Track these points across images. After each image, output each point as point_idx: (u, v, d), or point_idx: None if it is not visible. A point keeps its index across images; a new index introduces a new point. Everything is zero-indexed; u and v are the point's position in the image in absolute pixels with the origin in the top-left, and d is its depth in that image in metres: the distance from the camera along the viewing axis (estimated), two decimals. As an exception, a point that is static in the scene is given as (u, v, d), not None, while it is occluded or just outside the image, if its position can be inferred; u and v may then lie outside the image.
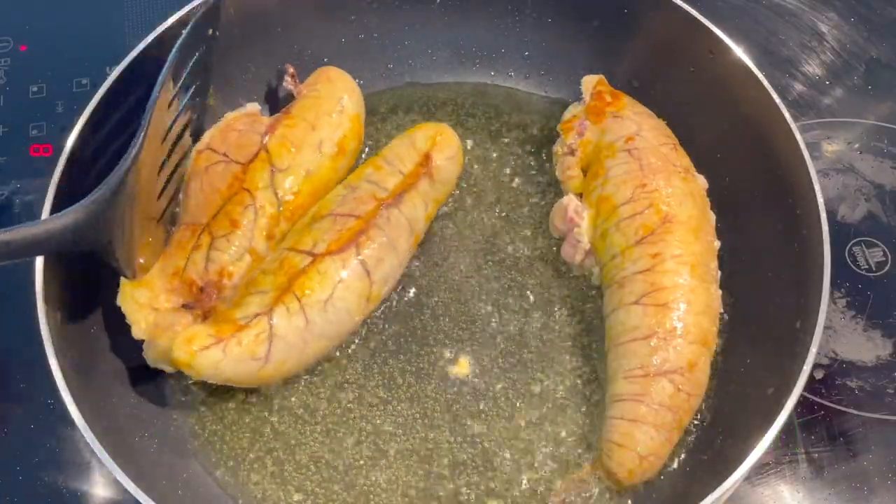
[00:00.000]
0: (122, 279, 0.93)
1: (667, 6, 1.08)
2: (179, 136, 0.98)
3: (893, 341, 1.09)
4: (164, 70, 0.91)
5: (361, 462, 0.95)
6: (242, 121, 1.04)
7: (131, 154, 0.85)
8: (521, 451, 0.96)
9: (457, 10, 1.20)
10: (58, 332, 0.87)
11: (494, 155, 1.17)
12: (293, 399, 0.99)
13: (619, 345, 0.95)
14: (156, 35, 1.02)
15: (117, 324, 0.98)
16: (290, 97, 1.11)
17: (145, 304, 0.93)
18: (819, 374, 1.06)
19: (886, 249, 1.16)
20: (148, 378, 0.99)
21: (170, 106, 0.94)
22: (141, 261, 0.92)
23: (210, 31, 1.01)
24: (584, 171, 1.08)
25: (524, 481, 0.95)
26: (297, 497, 0.94)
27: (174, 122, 0.96)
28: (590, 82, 1.12)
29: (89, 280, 0.96)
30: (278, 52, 1.16)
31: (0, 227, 0.77)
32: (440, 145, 1.06)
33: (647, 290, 0.94)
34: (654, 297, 0.94)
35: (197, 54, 0.99)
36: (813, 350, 0.86)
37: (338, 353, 1.01)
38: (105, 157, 1.00)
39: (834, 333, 1.09)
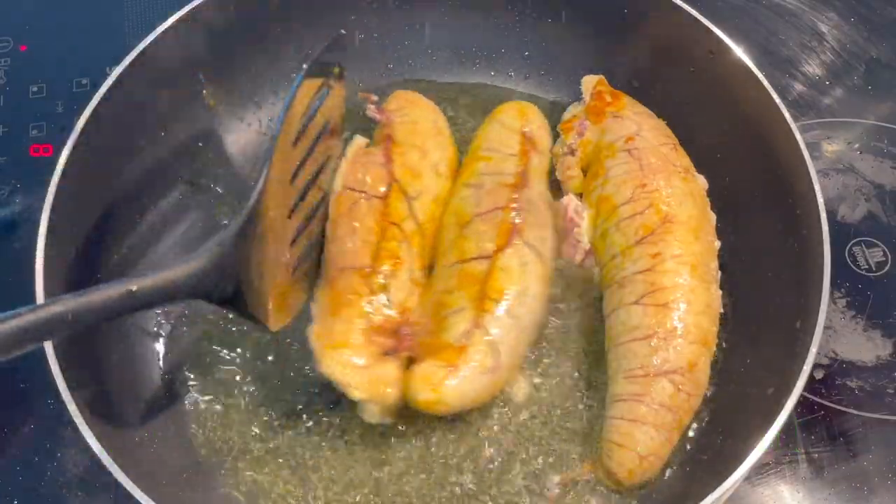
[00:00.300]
0: (321, 349, 0.90)
1: (667, 6, 1.08)
2: (315, 178, 0.93)
3: (893, 341, 1.09)
4: (286, 104, 0.84)
5: (361, 461, 0.95)
6: (362, 155, 1.02)
7: (253, 196, 0.81)
8: (520, 450, 0.96)
9: (457, 10, 1.21)
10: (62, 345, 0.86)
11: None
12: (295, 400, 0.99)
13: (620, 345, 0.95)
14: (156, 35, 1.02)
15: (117, 324, 0.98)
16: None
17: (352, 364, 0.89)
18: (819, 374, 1.06)
19: (886, 249, 1.16)
20: (148, 378, 0.99)
21: (296, 144, 0.88)
22: (274, 310, 0.88)
23: (336, 70, 0.94)
24: (584, 171, 1.08)
25: (523, 480, 0.94)
26: (297, 495, 0.94)
27: (304, 162, 0.90)
28: (590, 82, 1.12)
29: (90, 280, 0.96)
30: (279, 53, 1.16)
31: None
32: (528, 118, 1.08)
33: (648, 290, 0.94)
34: (654, 297, 0.94)
35: (324, 90, 0.92)
36: (813, 350, 0.86)
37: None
38: (105, 157, 1.00)
39: (834, 333, 1.09)
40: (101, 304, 0.74)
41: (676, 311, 0.93)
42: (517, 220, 0.98)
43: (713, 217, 1.02)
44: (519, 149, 1.05)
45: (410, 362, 0.92)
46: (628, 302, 0.95)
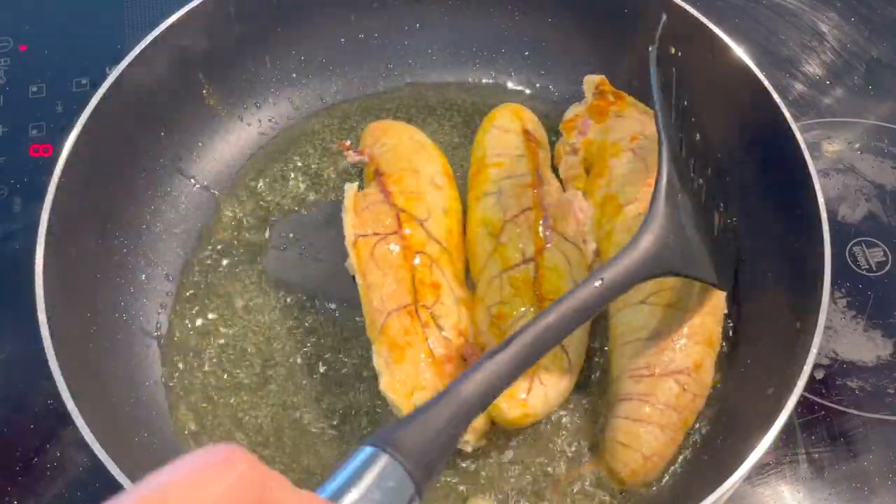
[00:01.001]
0: (400, 400, 0.88)
1: (667, 6, 1.08)
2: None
3: (894, 341, 1.09)
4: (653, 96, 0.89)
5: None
6: (360, 200, 1.00)
7: (663, 154, 0.85)
8: (522, 449, 0.96)
9: (457, 10, 1.20)
10: (58, 333, 0.86)
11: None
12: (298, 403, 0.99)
13: (625, 344, 0.94)
14: (156, 35, 1.02)
15: (117, 324, 0.98)
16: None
17: None
18: (819, 375, 1.06)
19: (887, 249, 1.16)
20: (148, 378, 0.99)
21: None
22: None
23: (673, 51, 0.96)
24: (587, 170, 1.07)
25: (524, 477, 0.94)
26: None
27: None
28: (591, 82, 1.11)
29: (91, 280, 0.96)
30: (278, 52, 1.16)
31: None
32: (523, 117, 1.08)
33: (654, 290, 0.94)
34: (660, 297, 0.93)
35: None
36: (813, 350, 0.86)
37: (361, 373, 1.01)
38: (105, 157, 1.00)
39: (834, 333, 1.09)
40: (574, 312, 0.76)
41: (683, 310, 0.93)
42: (549, 217, 0.98)
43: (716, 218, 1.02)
44: (525, 148, 1.05)
45: None
46: (634, 301, 0.95)
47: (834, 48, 1.35)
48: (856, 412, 1.04)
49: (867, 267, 1.14)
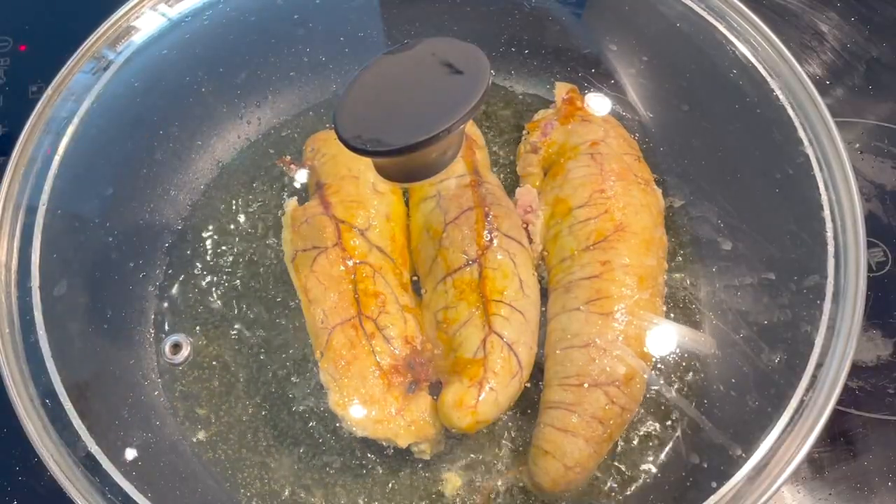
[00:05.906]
0: (350, 416, 0.88)
1: (672, 7, 1.08)
2: None
3: (894, 341, 1.09)
4: None
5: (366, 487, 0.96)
6: (298, 215, 0.99)
7: None
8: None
9: (456, 9, 1.20)
10: (56, 334, 0.87)
11: (493, 156, 1.17)
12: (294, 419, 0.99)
13: (559, 350, 0.92)
14: (155, 33, 1.02)
15: (116, 324, 0.98)
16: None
17: (385, 417, 0.88)
18: (819, 375, 1.06)
19: (887, 249, 1.16)
20: (147, 378, 0.99)
21: None
22: None
23: None
24: (546, 172, 1.06)
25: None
26: (295, 492, 0.94)
27: None
28: (562, 88, 1.11)
29: (88, 278, 0.96)
30: (278, 51, 1.16)
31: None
32: None
33: (593, 297, 0.92)
34: (598, 305, 0.91)
35: None
36: (815, 351, 0.86)
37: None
38: (103, 157, 1.00)
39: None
40: None
41: (619, 321, 0.91)
42: (490, 216, 0.96)
43: (665, 237, 1.00)
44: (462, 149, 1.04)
45: (434, 387, 0.91)
46: (571, 307, 0.93)
47: (834, 48, 1.35)
48: (856, 412, 1.04)
49: (867, 267, 1.14)
